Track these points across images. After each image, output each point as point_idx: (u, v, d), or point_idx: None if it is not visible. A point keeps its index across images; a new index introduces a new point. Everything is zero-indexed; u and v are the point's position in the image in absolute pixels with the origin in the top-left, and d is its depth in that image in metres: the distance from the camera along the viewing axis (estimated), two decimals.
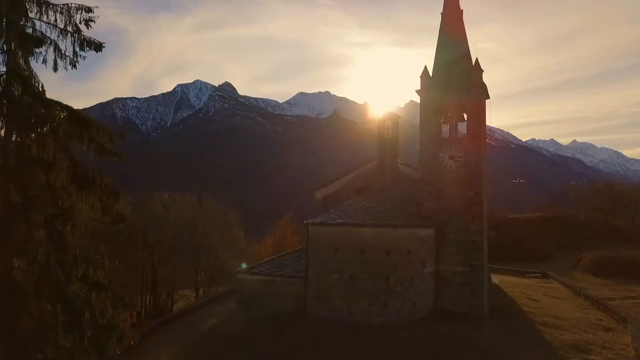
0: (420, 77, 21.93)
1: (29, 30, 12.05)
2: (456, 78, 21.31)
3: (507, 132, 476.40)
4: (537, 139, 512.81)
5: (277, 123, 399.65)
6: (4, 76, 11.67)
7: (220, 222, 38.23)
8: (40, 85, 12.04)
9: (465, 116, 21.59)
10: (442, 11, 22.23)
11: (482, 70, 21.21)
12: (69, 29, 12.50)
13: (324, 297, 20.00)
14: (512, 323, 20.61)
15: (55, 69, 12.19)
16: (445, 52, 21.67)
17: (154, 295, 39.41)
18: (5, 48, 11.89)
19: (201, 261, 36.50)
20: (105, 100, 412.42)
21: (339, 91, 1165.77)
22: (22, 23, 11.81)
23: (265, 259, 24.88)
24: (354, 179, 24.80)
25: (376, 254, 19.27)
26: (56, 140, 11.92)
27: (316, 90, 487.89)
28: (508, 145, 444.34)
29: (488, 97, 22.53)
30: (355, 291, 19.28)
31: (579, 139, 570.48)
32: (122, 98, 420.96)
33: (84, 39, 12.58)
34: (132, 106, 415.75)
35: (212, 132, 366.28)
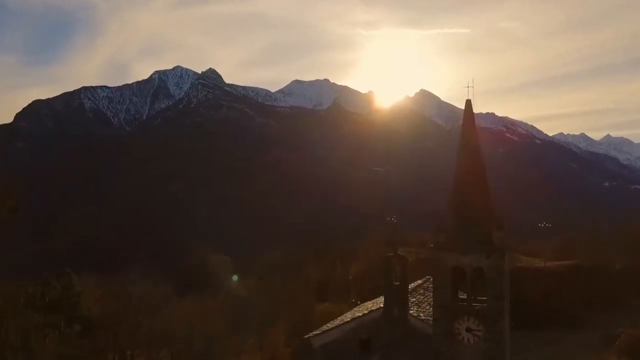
0: (434, 233, 21.94)
1: None
2: (474, 236, 21.27)
3: (531, 126, 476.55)
4: (565, 133, 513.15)
5: (269, 115, 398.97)
6: None
7: (202, 329, 38.36)
8: None
9: (484, 275, 21.55)
10: (456, 156, 22.25)
11: (505, 233, 21.20)
12: None
13: None
14: None
15: None
16: (462, 206, 21.62)
17: None
18: None
19: None
20: (71, 90, 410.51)
21: (339, 79, 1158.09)
22: None
23: None
24: (356, 328, 24.79)
25: None
26: None
27: (313, 78, 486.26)
28: (532, 140, 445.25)
29: (510, 252, 22.53)
30: None
31: (613, 134, 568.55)
32: (91, 87, 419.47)
33: None
34: (103, 96, 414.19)
35: (194, 126, 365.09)
